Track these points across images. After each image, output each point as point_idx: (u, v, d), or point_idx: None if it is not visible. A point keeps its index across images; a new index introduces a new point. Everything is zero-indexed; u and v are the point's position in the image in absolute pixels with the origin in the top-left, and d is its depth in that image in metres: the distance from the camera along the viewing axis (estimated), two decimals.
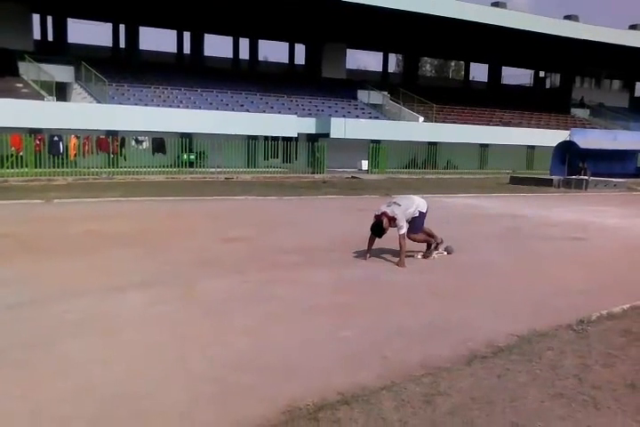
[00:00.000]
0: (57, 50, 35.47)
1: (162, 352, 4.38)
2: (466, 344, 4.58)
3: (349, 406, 3.48)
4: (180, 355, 4.32)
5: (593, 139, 28.24)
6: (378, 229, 7.66)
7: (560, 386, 3.83)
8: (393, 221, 7.64)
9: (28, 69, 29.56)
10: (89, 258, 7.69)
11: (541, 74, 57.33)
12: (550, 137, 33.36)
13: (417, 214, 7.89)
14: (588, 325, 5.09)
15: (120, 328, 4.91)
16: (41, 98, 27.58)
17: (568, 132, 30.21)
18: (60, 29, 38.49)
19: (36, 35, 36.21)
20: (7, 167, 22.17)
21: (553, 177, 25.39)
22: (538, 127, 41.25)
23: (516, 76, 57.04)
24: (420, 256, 8.13)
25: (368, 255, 7.93)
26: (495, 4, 39.93)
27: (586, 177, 24.75)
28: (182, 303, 5.69)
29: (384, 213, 7.67)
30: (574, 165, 27.00)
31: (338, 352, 4.43)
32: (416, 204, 7.94)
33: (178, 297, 5.89)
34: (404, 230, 7.65)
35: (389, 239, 7.97)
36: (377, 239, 7.87)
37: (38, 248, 8.32)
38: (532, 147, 38.87)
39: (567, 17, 41.59)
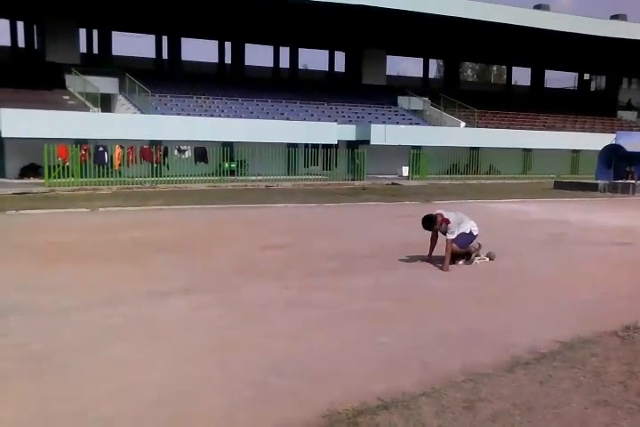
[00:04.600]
0: (102, 62, 36.37)
1: (202, 356, 4.43)
2: (508, 350, 4.52)
3: (389, 411, 3.46)
4: (220, 359, 4.36)
5: None
6: (428, 221, 7.80)
7: (604, 393, 3.74)
8: (446, 223, 7.77)
9: (74, 82, 30.42)
10: (132, 264, 7.83)
11: (586, 76, 56.23)
12: (596, 141, 32.60)
13: (468, 231, 7.92)
14: (634, 331, 4.96)
15: (162, 333, 4.99)
16: (86, 109, 28.33)
17: (614, 135, 29.54)
18: (105, 42, 39.42)
19: (82, 48, 37.18)
20: (54, 177, 22.76)
21: (598, 181, 24.84)
22: (583, 131, 40.40)
23: (559, 79, 56.21)
24: (461, 262, 8.05)
25: (430, 256, 8.08)
26: (538, 7, 39.41)
27: (633, 181, 24.13)
28: (223, 309, 5.74)
29: (439, 214, 7.86)
30: (621, 169, 26.36)
31: (377, 358, 4.42)
32: (471, 223, 8.05)
33: (219, 303, 5.96)
34: (453, 236, 7.72)
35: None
36: (437, 245, 8.03)
37: (84, 255, 8.50)
38: (577, 151, 38.13)
39: (614, 17, 40.68)
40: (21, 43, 38.67)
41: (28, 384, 3.89)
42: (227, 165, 27.89)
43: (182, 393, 3.76)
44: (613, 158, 26.78)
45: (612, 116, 46.44)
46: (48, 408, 3.56)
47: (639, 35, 37.83)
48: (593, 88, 57.22)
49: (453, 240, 7.72)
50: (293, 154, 29.37)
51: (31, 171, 26.41)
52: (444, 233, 7.90)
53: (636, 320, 5.20)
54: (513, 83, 54.81)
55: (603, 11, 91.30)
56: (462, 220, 7.97)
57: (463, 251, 8.04)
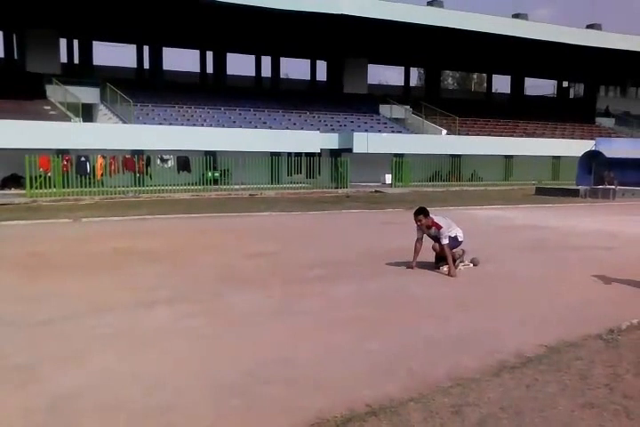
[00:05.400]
0: (83, 72, 36.17)
1: (189, 365, 4.41)
2: (494, 355, 4.54)
3: (377, 417, 3.46)
4: (206, 368, 4.34)
5: (619, 148, 27.92)
6: (420, 210, 7.98)
7: (590, 396, 3.77)
8: (437, 228, 7.88)
9: (55, 92, 30.23)
10: (116, 275, 7.78)
11: (565, 84, 56.98)
12: (575, 147, 33.06)
13: (453, 235, 8.02)
14: (618, 334, 5.01)
15: (148, 343, 4.96)
16: (68, 119, 28.13)
17: (593, 141, 29.92)
18: (86, 52, 39.27)
19: (63, 58, 36.98)
20: (36, 188, 22.55)
21: (579, 187, 25.13)
22: (563, 137, 40.91)
23: (538, 86, 56.85)
24: (445, 269, 8.09)
25: (414, 264, 8.08)
26: (516, 16, 39.91)
27: (613, 186, 24.42)
28: (208, 318, 5.72)
29: (432, 218, 7.97)
30: (601, 175, 26.69)
31: (365, 365, 4.42)
32: (457, 229, 8.16)
33: (204, 312, 5.93)
34: (446, 241, 7.83)
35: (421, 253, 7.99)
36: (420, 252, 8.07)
37: (67, 266, 8.44)
38: (558, 157, 38.54)
39: (590, 26, 41.34)
40: (0, 53, 38.45)
41: (11, 396, 3.84)
42: (210, 174, 27.82)
43: (168, 403, 3.73)
44: (593, 164, 27.12)
45: (590, 123, 47.01)
46: (32, 420, 3.51)
47: (615, 44, 38.51)
48: (572, 95, 57.93)
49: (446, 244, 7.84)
50: (276, 162, 29.37)
51: (12, 181, 26.18)
52: (434, 237, 8.01)
53: (620, 323, 5.25)
54: (493, 90, 55.33)
55: (579, 20, 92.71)
56: (450, 225, 8.08)
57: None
